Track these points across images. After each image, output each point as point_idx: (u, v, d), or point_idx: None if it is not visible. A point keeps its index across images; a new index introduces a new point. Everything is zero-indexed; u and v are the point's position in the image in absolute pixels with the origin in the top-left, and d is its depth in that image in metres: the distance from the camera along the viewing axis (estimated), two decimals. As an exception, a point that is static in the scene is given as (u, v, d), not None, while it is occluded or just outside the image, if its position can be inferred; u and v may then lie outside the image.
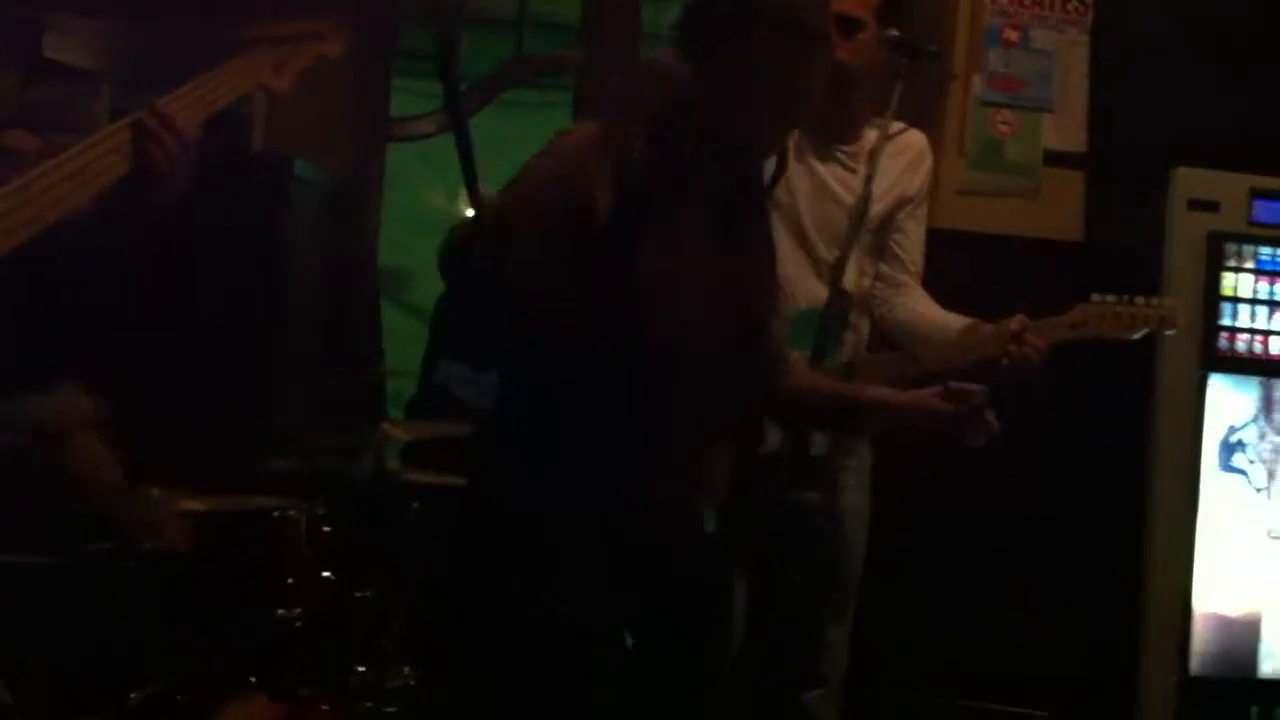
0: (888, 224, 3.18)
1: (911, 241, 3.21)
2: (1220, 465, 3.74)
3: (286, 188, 4.06)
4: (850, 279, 3.08)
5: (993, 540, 3.79)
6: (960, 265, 3.79)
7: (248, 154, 4.04)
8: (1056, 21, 4.24)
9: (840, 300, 3.00)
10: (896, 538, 3.80)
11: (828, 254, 3.08)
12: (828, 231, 3.11)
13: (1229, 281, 3.79)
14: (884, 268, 3.18)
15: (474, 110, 4.55)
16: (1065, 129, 4.23)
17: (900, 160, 3.19)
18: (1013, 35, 4.22)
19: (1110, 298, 3.06)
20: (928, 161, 3.24)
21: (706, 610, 2.33)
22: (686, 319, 2.19)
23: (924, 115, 3.64)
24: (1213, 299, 3.78)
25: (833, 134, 3.13)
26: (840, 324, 3.03)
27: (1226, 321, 3.78)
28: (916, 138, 3.23)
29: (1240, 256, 3.80)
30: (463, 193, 4.91)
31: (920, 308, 3.17)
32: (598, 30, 4.51)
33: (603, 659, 2.21)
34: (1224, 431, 3.75)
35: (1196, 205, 3.82)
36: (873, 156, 3.01)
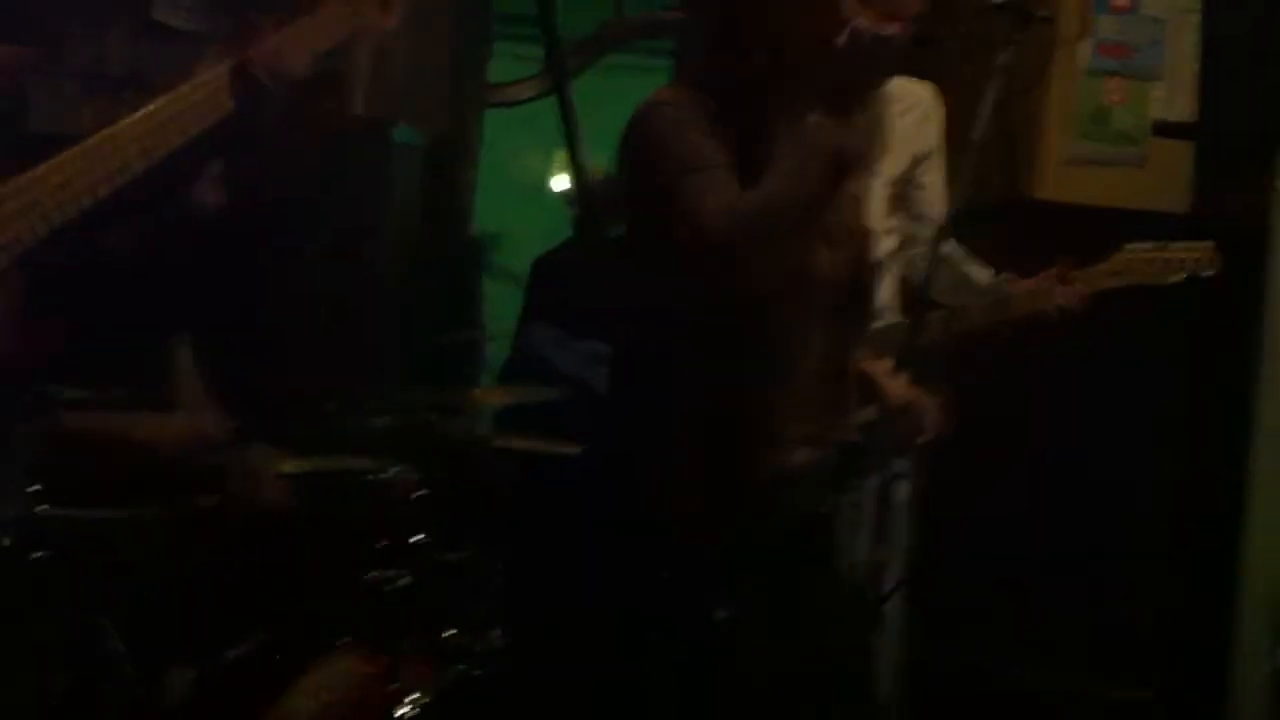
0: (907, 181, 3.20)
1: (935, 195, 3.21)
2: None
3: (386, 150, 4.08)
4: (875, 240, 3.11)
5: (1088, 524, 3.73)
6: (1063, 237, 3.73)
7: (348, 117, 4.06)
8: (1169, -12, 4.13)
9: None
10: (1001, 502, 3.77)
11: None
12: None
13: (1339, 256, 3.69)
14: (917, 230, 3.20)
15: (574, 74, 4.54)
16: (1174, 99, 4.13)
17: (910, 117, 3.19)
18: (1124, 2, 4.12)
19: (1148, 244, 3.18)
20: (938, 112, 3.23)
21: (815, 586, 2.32)
22: (817, 269, 2.19)
23: (1031, 81, 3.58)
24: (1322, 275, 3.68)
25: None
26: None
27: (1337, 298, 3.69)
28: (923, 91, 3.21)
29: (1351, 232, 3.71)
30: (559, 157, 4.90)
31: (959, 265, 3.19)
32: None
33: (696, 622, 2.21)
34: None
35: (1307, 180, 3.72)
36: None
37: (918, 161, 3.21)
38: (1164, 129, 4.10)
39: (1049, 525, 3.76)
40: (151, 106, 2.11)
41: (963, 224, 3.12)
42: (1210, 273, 3.17)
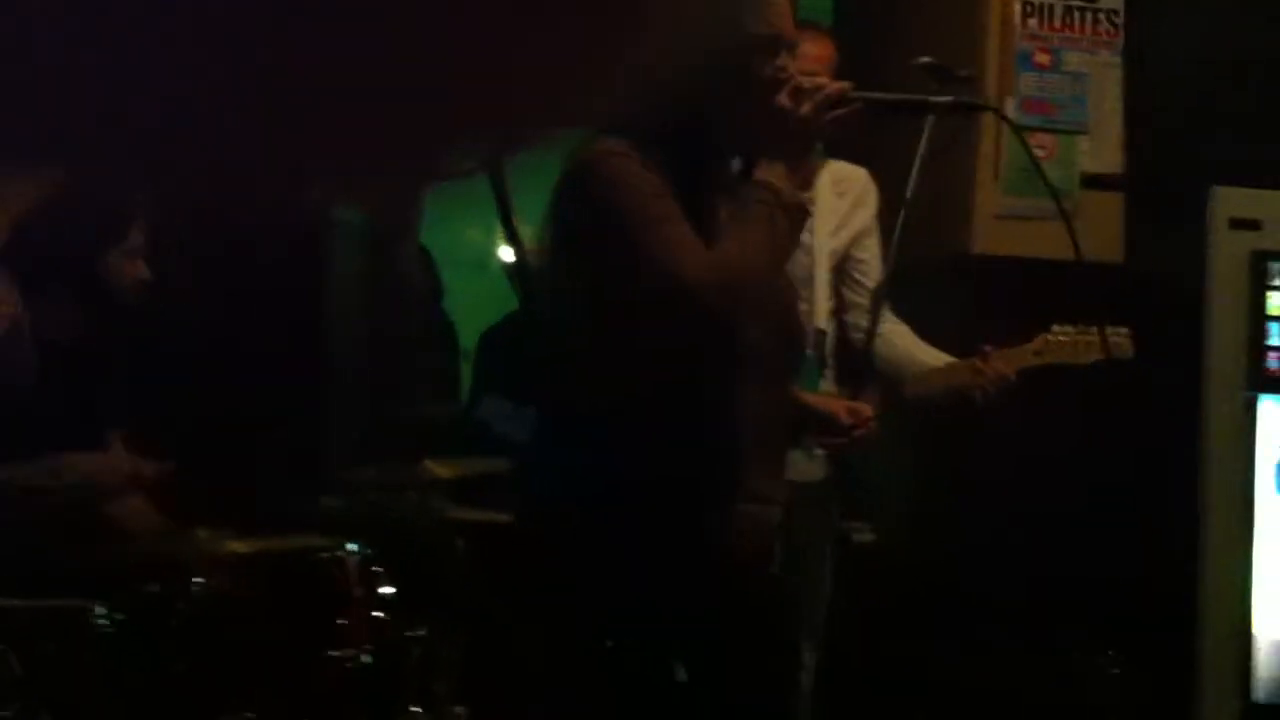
0: (845, 257, 3.34)
1: (871, 268, 3.35)
2: (1277, 488, 3.69)
3: (328, 229, 4.09)
4: (821, 314, 3.24)
5: (1046, 571, 3.76)
6: (999, 290, 3.79)
7: (288, 199, 4.05)
8: (1088, 43, 4.22)
9: (818, 339, 3.19)
10: (950, 570, 3.79)
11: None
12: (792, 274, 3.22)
13: (1275, 301, 3.75)
14: (855, 298, 3.33)
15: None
16: (1102, 151, 4.21)
17: (846, 199, 3.34)
18: (1044, 58, 4.20)
19: (1070, 328, 3.31)
20: (873, 195, 3.38)
21: (767, 648, 2.32)
22: (752, 326, 2.22)
23: (957, 140, 3.65)
24: (1258, 319, 3.74)
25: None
26: (821, 361, 3.21)
27: (1274, 341, 3.75)
28: (858, 173, 3.37)
29: (1286, 275, 3.78)
30: (499, 230, 4.91)
31: (897, 340, 3.30)
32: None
33: (651, 692, 2.21)
34: (1278, 454, 3.71)
35: (1238, 224, 3.79)
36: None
37: (855, 239, 3.36)
38: (1093, 181, 4.18)
39: (999, 580, 3.78)
40: None
41: (903, 284, 3.20)
42: (1127, 357, 3.28)
